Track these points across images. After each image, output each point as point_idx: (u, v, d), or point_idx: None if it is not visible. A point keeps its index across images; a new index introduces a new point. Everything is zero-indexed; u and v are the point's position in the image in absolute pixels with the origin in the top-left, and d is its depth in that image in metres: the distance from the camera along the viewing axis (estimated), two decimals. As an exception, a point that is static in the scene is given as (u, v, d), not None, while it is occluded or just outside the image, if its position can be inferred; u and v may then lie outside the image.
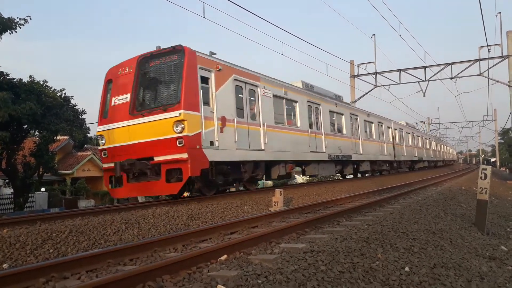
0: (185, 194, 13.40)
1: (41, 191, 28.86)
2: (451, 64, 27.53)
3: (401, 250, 5.26)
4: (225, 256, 4.80)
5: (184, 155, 9.23)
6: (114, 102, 10.48)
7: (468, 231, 7.56)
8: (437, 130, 70.25)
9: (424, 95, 30.07)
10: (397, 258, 4.90)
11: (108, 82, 10.97)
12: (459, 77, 27.98)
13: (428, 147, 40.83)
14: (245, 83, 12.06)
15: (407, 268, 4.59)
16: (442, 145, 57.14)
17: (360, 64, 29.94)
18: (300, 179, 39.43)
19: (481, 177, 8.21)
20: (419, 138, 36.59)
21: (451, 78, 28.12)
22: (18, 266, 4.95)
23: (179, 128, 9.25)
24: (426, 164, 40.00)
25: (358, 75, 30.04)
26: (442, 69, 27.86)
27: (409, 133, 31.99)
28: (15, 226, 6.59)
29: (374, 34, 29.26)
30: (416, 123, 50.39)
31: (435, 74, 28.25)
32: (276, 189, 10.22)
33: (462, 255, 5.74)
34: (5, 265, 4.97)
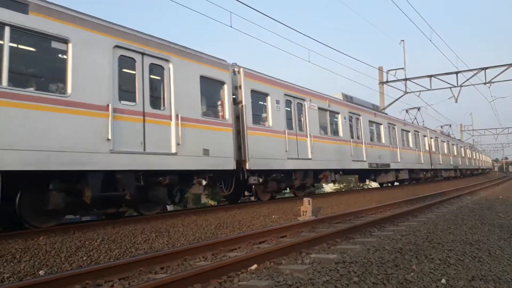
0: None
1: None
2: (484, 68, 26.66)
3: (437, 261, 5.07)
4: (255, 265, 4.77)
5: None
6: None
7: (508, 242, 7.22)
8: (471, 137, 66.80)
9: (456, 101, 29.17)
10: (432, 269, 4.73)
11: None
12: (493, 82, 27.04)
13: (407, 145, 24.07)
14: None
15: (443, 281, 4.42)
16: (455, 146, 38.32)
17: (389, 70, 29.43)
18: (328, 188, 38.74)
19: (520, 186, 7.85)
20: (381, 127, 20.56)
21: (484, 83, 27.20)
22: (54, 273, 5.08)
23: None
24: (407, 176, 23.57)
25: (387, 81, 29.52)
26: (475, 74, 27.00)
27: (337, 114, 16.16)
28: (51, 234, 6.78)
29: (403, 40, 28.77)
30: (407, 111, 32.62)
31: (467, 80, 27.40)
32: (304, 198, 10.11)
33: (502, 267, 5.48)
34: (41, 272, 5.11)
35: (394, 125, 22.60)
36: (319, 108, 14.71)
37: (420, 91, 29.03)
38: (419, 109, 32.63)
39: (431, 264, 4.95)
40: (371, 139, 19.16)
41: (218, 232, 7.80)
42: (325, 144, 14.79)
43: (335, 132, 16.03)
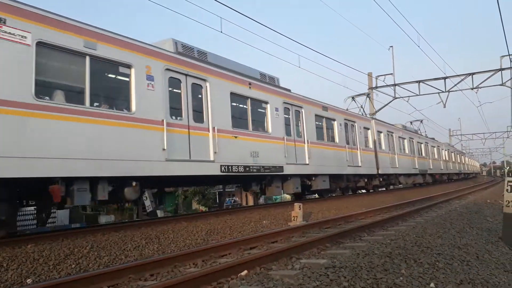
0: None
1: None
2: (472, 74, 27.09)
3: (426, 265, 5.12)
4: (246, 271, 4.77)
5: None
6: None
7: (495, 245, 7.32)
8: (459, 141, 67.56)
9: (444, 106, 29.54)
10: (421, 273, 4.77)
11: None
12: (480, 88, 27.47)
13: (329, 139, 16.60)
14: None
15: (432, 284, 4.45)
16: (423, 145, 30.91)
17: (378, 76, 29.73)
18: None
19: (507, 190, 7.96)
20: (267, 107, 12.95)
21: (472, 89, 27.62)
22: (42, 281, 5.01)
23: None
24: (328, 185, 15.80)
25: (376, 87, 29.80)
26: (462, 80, 27.41)
27: (128, 68, 8.54)
28: (39, 242, 6.70)
29: (391, 46, 29.11)
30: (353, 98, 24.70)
31: (455, 85, 27.80)
32: (295, 204, 10.14)
33: (490, 270, 5.55)
34: (29, 280, 5.05)
35: (300, 107, 14.75)
36: (57, 49, 7.41)
37: (409, 96, 29.36)
38: (368, 95, 23.49)
39: (420, 268, 4.99)
40: (237, 126, 11.42)
41: (209, 239, 7.77)
42: (73, 124, 7.31)
43: (118, 103, 8.64)
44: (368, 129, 20.80)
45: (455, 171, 44.10)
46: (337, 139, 17.02)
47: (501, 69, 26.04)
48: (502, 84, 26.43)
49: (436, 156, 34.67)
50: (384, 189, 22.59)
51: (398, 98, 29.53)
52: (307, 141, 14.52)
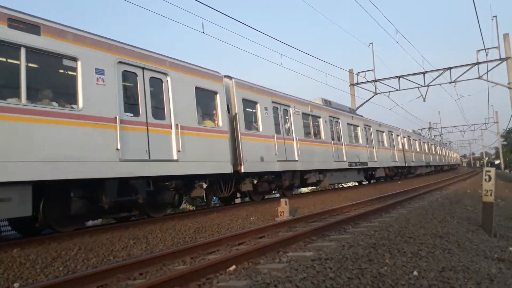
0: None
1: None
2: (449, 68, 27.66)
3: (409, 254, 5.28)
4: (234, 266, 4.83)
5: None
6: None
7: (475, 233, 7.55)
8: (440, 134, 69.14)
9: (424, 101, 30.14)
10: (405, 262, 4.92)
11: None
12: (458, 81, 28.08)
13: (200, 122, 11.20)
14: None
15: (415, 272, 4.60)
16: (359, 128, 21.27)
17: (359, 72, 30.13)
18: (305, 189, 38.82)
19: (485, 179, 8.22)
20: (76, 66, 7.72)
21: (450, 83, 28.22)
22: (29, 284, 4.98)
23: None
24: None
25: (357, 83, 30.19)
26: (441, 74, 27.98)
27: None
28: (25, 246, 6.64)
29: (371, 43, 29.52)
30: None
31: (434, 79, 28.36)
32: (281, 199, 10.24)
33: (471, 257, 5.74)
34: (16, 285, 5.01)
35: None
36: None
37: (389, 91, 29.84)
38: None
39: (403, 257, 5.14)
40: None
41: (197, 236, 7.81)
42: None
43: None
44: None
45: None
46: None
47: (478, 63, 26.66)
48: (479, 78, 27.08)
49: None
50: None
51: (379, 93, 29.98)
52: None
